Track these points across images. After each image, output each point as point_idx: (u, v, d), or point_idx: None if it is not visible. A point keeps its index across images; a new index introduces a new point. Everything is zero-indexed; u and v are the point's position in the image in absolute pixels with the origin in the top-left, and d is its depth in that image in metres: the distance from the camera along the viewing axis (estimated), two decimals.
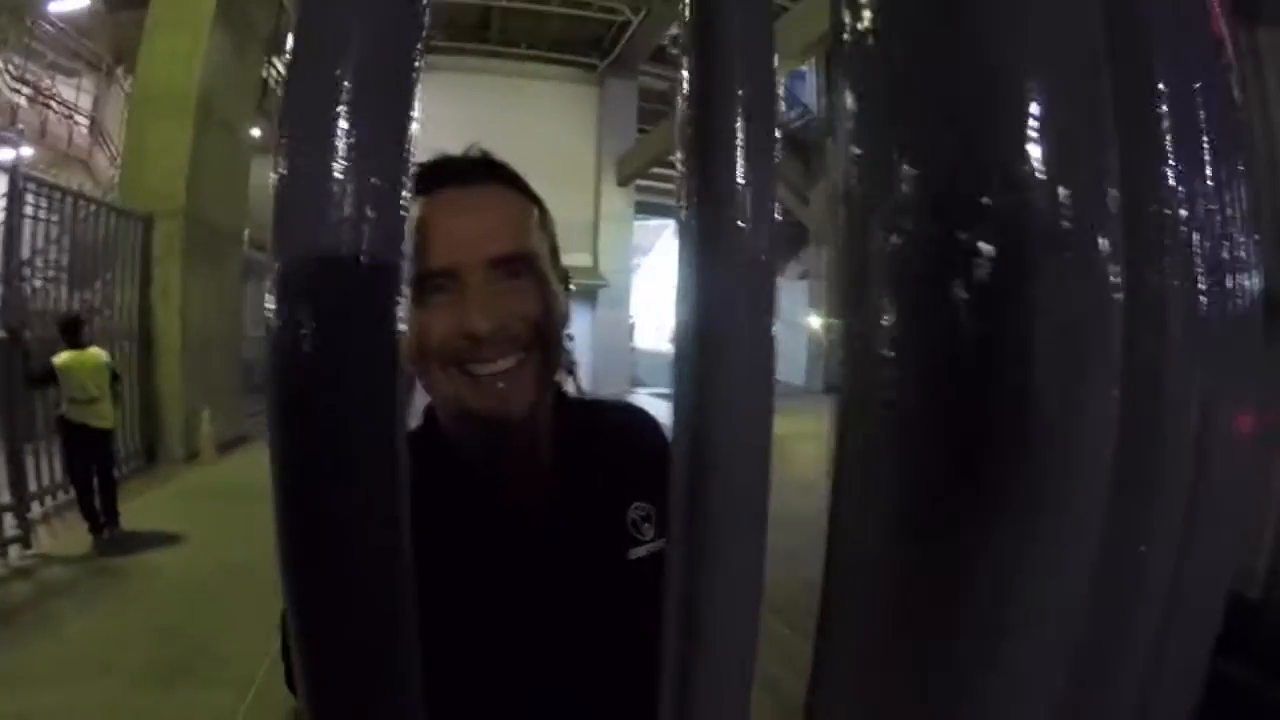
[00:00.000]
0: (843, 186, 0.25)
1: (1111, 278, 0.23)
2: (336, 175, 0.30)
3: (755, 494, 0.40)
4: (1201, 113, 0.35)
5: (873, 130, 0.25)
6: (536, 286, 0.76)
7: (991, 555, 0.23)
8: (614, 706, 0.78)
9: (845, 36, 0.24)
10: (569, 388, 0.89)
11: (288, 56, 0.33)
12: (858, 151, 0.24)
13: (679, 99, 0.42)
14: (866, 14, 0.23)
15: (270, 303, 0.31)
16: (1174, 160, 0.34)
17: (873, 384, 0.24)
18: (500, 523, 0.80)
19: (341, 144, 0.30)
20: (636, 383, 19.53)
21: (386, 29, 0.32)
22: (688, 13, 0.42)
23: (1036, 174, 0.22)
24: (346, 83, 0.31)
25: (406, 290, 0.32)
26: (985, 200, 0.22)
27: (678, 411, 0.40)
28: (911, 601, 0.25)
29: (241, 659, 3.97)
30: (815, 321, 19.07)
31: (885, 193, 0.23)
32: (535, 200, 0.82)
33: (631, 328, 19.89)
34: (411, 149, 0.33)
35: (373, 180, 0.31)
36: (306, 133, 0.31)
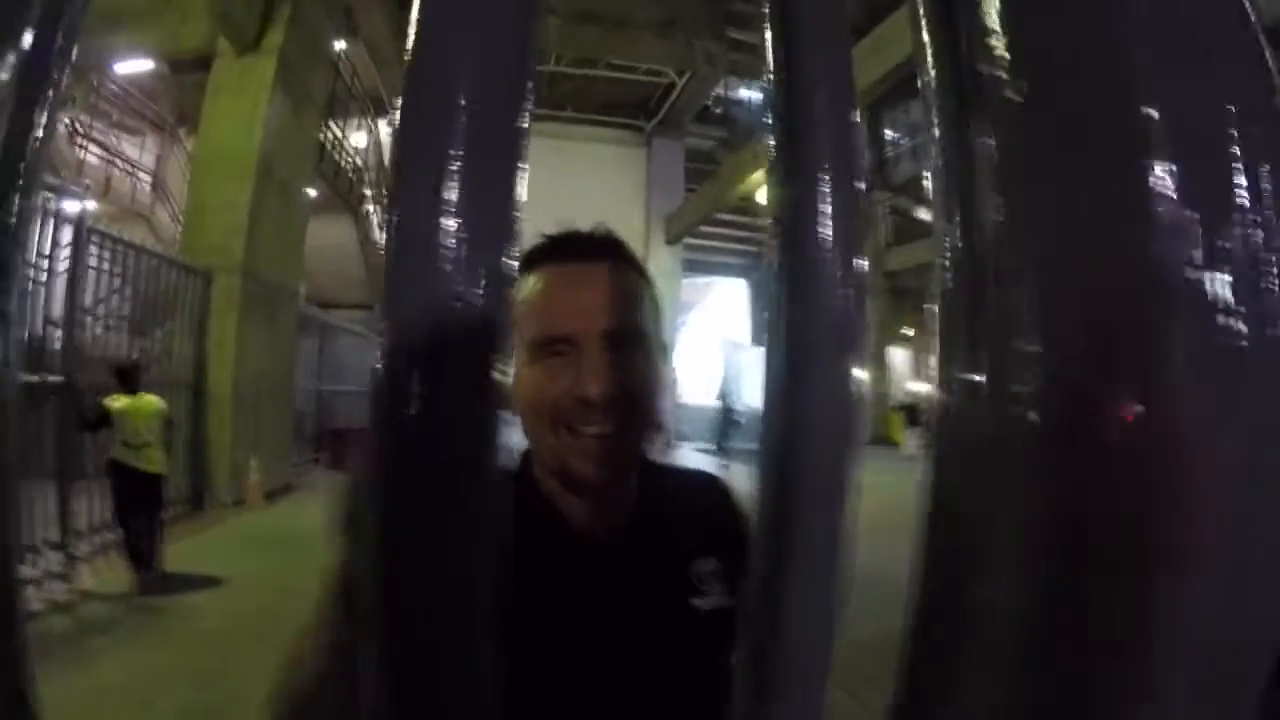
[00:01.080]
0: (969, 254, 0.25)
1: None
2: (446, 237, 0.31)
3: (834, 550, 0.40)
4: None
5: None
6: (644, 360, 0.83)
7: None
8: None
9: (977, 89, 0.25)
10: (657, 443, 0.97)
11: (398, 117, 0.34)
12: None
13: (767, 164, 0.43)
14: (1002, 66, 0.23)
15: (378, 359, 0.32)
16: None
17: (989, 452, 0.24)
18: (576, 555, 0.86)
19: (451, 206, 0.31)
20: (681, 437, 19.42)
21: (496, 91, 0.33)
22: (771, 68, 0.43)
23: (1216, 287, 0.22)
24: (457, 145, 0.32)
25: (512, 350, 0.33)
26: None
27: (763, 464, 0.40)
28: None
29: None
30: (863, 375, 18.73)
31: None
32: (645, 276, 0.90)
33: (676, 383, 19.87)
34: (519, 210, 0.34)
35: (481, 242, 0.32)
36: (417, 193, 0.32)
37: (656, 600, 0.86)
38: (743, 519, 0.98)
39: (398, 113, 0.35)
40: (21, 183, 0.37)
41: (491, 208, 0.33)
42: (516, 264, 0.34)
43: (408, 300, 0.32)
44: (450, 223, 0.32)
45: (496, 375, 0.32)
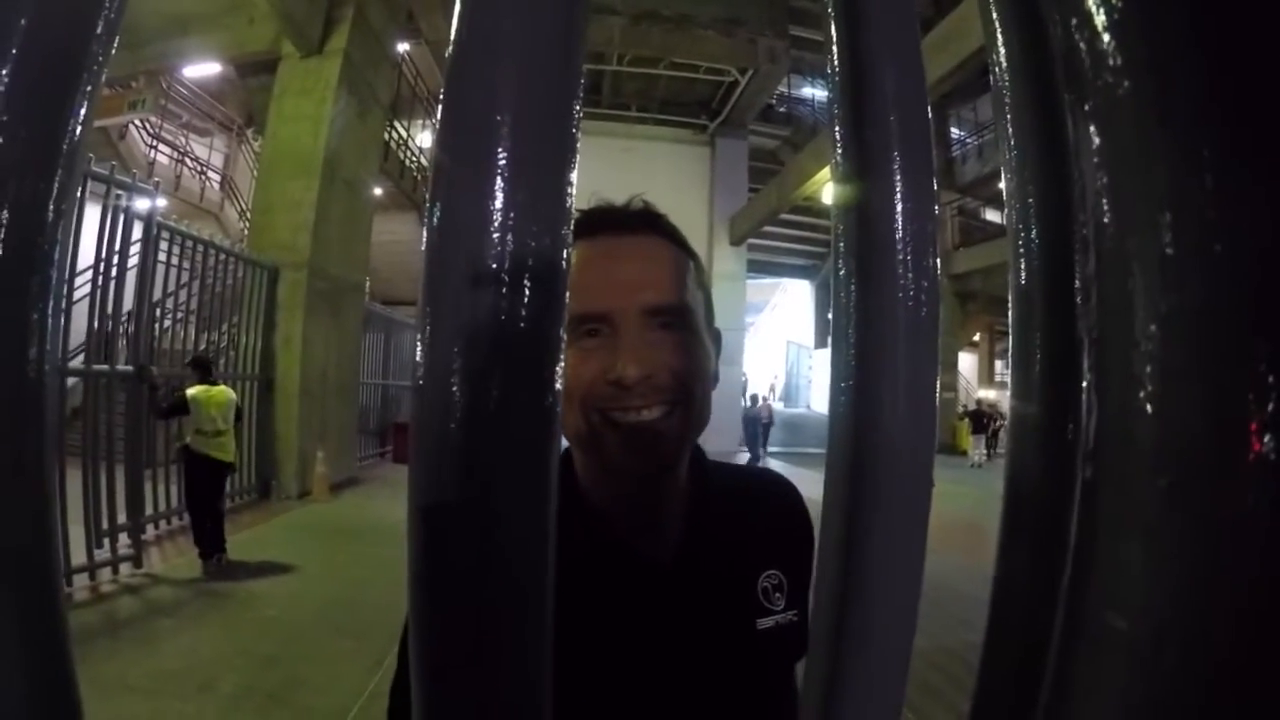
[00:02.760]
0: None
1: None
2: (494, 231, 0.30)
3: (911, 564, 0.37)
4: None
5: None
6: (688, 341, 0.75)
7: None
8: None
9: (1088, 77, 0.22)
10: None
11: (442, 107, 0.33)
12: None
13: (834, 157, 0.41)
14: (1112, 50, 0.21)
15: (420, 358, 0.31)
16: None
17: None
18: (628, 574, 0.79)
19: (501, 198, 0.30)
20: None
21: (545, 82, 0.32)
22: (837, 67, 0.41)
23: None
24: (505, 138, 0.30)
25: (562, 354, 0.31)
26: None
27: (831, 474, 0.38)
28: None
29: (336, 692, 4.05)
30: None
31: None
32: (692, 255, 0.81)
33: (744, 385, 19.82)
34: (572, 204, 0.32)
35: (533, 234, 0.30)
36: (465, 186, 0.31)
37: (714, 620, 0.80)
38: (808, 523, 0.92)
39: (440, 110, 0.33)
40: (60, 173, 0.36)
41: (540, 202, 0.31)
42: (567, 260, 0.31)
43: (449, 300, 0.30)
44: (498, 218, 0.30)
45: (546, 384, 0.30)
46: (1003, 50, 0.51)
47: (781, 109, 22.07)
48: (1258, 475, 0.19)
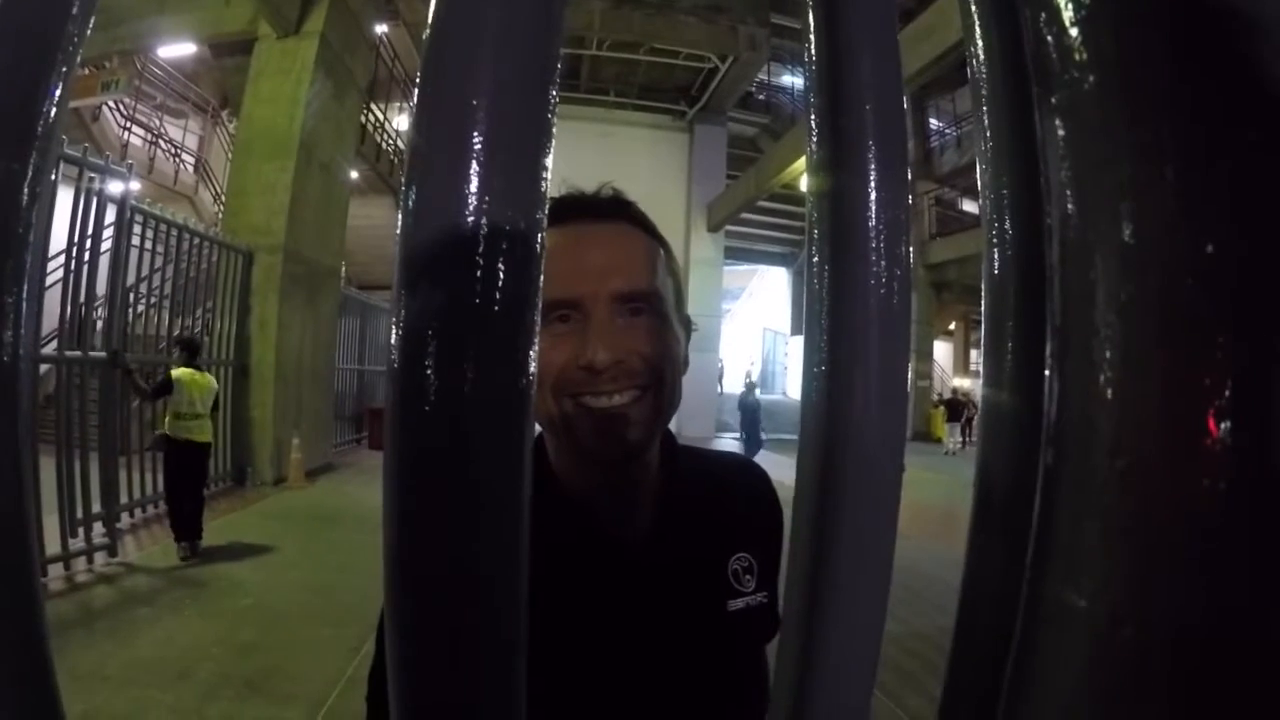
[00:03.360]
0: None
1: None
2: (469, 214, 0.30)
3: (881, 548, 0.38)
4: None
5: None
6: (657, 327, 0.76)
7: None
8: None
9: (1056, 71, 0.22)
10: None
11: (419, 89, 0.33)
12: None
13: (810, 145, 0.41)
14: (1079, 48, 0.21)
15: (394, 340, 0.31)
16: None
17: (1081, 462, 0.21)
18: (600, 556, 0.80)
19: (476, 181, 0.30)
20: (723, 427, 19.46)
21: (522, 65, 0.32)
22: (813, 60, 0.41)
23: None
24: (481, 121, 0.30)
25: (535, 339, 0.31)
26: None
27: (803, 459, 0.38)
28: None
29: (314, 679, 4.04)
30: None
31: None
32: (662, 243, 0.82)
33: (720, 372, 19.82)
34: (547, 188, 0.32)
35: (508, 218, 0.30)
36: (440, 168, 0.31)
37: (685, 601, 0.81)
38: (777, 507, 0.94)
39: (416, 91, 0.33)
40: (35, 155, 0.36)
41: (516, 185, 0.31)
42: (542, 243, 0.32)
43: (423, 283, 0.30)
44: (472, 202, 0.30)
45: (521, 367, 0.30)
46: (980, 43, 0.52)
47: (761, 97, 22.05)
48: (1213, 459, 0.19)
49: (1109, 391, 0.21)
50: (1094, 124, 0.21)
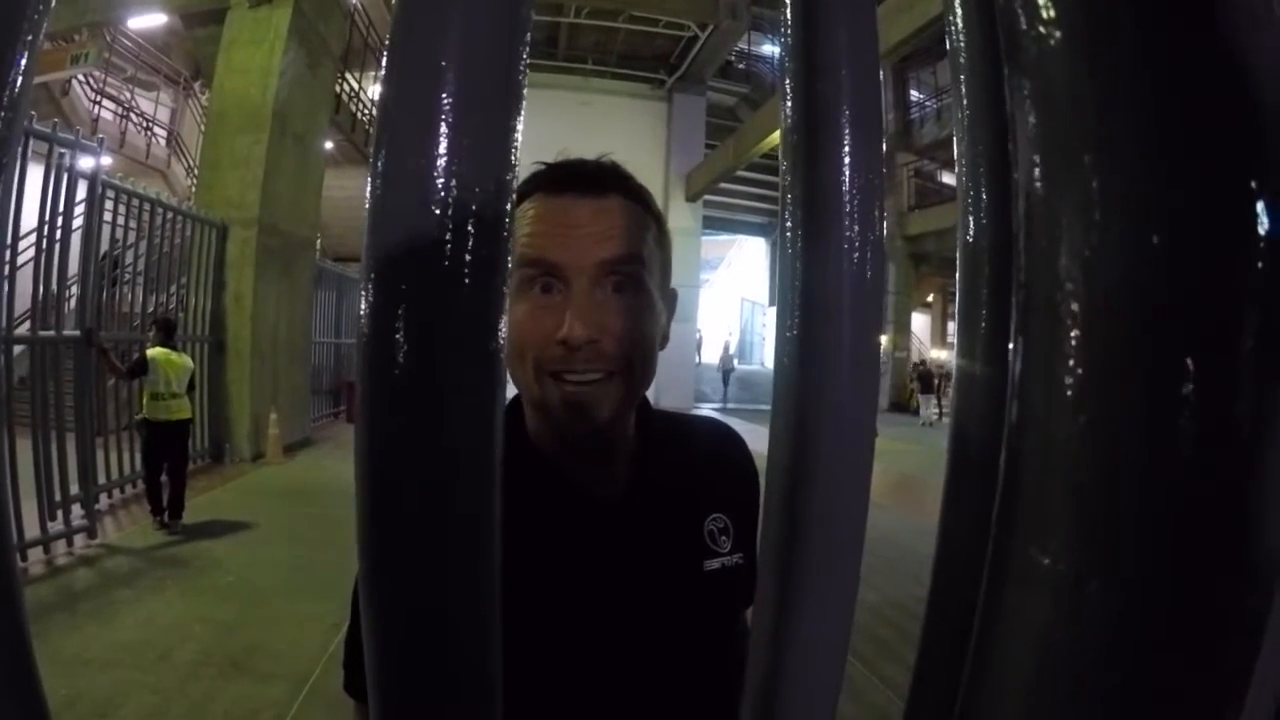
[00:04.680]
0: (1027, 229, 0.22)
1: None
2: (438, 183, 0.29)
3: (853, 513, 0.38)
4: None
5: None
6: (638, 304, 0.75)
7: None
8: (682, 711, 0.80)
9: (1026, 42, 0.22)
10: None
11: (387, 54, 0.32)
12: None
13: (784, 109, 0.41)
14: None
15: (364, 310, 0.30)
16: None
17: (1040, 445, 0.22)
18: (576, 514, 0.81)
19: (445, 145, 0.29)
20: (701, 398, 19.55)
21: (491, 30, 0.31)
22: (789, 23, 0.40)
23: None
24: (450, 85, 0.30)
25: (507, 299, 0.31)
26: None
27: (776, 424, 0.39)
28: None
29: (297, 656, 4.05)
30: (883, 339, 19.07)
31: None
32: (657, 218, 0.81)
33: (699, 343, 19.88)
34: (517, 152, 0.32)
35: (478, 181, 0.30)
36: (408, 134, 0.30)
37: (661, 561, 0.82)
38: (753, 469, 0.94)
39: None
40: (0, 129, 0.35)
41: (485, 150, 0.30)
42: (510, 208, 0.31)
43: (392, 248, 0.30)
44: (441, 166, 0.30)
45: (490, 330, 0.30)
46: (959, 12, 0.52)
47: (741, 66, 21.89)
48: (1177, 413, 0.19)
49: (1072, 346, 0.21)
50: (1060, 79, 0.21)
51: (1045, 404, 0.22)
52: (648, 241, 0.78)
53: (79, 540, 5.91)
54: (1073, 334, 0.21)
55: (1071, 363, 0.21)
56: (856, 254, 0.36)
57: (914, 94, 23.34)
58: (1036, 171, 0.22)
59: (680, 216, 19.24)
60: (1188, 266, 0.19)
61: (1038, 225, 0.22)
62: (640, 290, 0.76)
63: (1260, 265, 0.19)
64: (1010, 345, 0.24)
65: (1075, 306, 0.21)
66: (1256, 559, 0.20)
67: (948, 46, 0.54)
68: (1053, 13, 0.21)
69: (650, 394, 0.85)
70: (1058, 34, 0.21)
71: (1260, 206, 0.19)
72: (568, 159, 0.80)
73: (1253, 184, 0.19)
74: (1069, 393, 0.21)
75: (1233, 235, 0.19)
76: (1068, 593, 0.21)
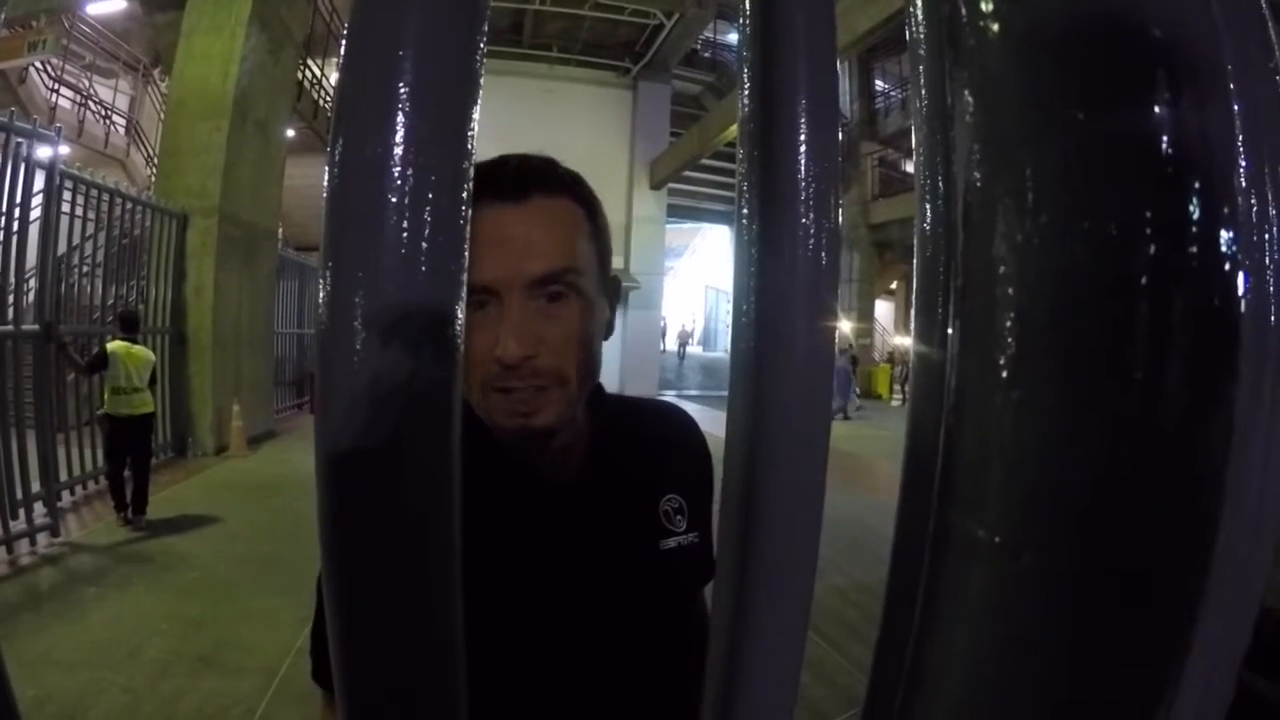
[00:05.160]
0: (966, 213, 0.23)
1: None
2: (395, 172, 0.29)
3: (811, 496, 0.39)
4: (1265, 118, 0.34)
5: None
6: (576, 309, 0.74)
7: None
8: (644, 688, 0.82)
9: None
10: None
11: (345, 46, 0.32)
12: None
13: (741, 97, 0.41)
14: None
15: (323, 299, 0.30)
16: None
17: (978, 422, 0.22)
18: (533, 498, 0.82)
19: (400, 140, 0.30)
20: (665, 385, 19.61)
21: (449, 16, 0.31)
22: (748, 10, 0.41)
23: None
24: (408, 73, 0.30)
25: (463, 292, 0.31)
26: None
27: (732, 410, 0.39)
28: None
29: (266, 650, 4.02)
30: (846, 325, 19.23)
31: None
32: (587, 203, 0.79)
33: (662, 330, 19.93)
34: (474, 145, 0.32)
35: (432, 178, 0.30)
36: (362, 129, 0.30)
37: (618, 541, 0.84)
38: (705, 449, 0.96)
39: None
40: None
41: (442, 137, 0.31)
42: (468, 194, 0.31)
43: (349, 235, 0.30)
44: (396, 160, 0.30)
45: (449, 316, 0.30)
46: (919, 4, 0.52)
47: (706, 54, 21.87)
48: (1103, 388, 0.20)
49: (1005, 327, 0.22)
50: (996, 71, 0.22)
51: (980, 383, 0.23)
52: (578, 243, 0.76)
53: (42, 539, 5.78)
54: (1006, 315, 0.21)
55: (1004, 343, 0.22)
56: (812, 241, 0.37)
57: (879, 84, 23.50)
58: (975, 160, 0.23)
59: (645, 205, 19.22)
60: (1114, 252, 0.20)
61: (975, 212, 0.23)
62: (577, 296, 0.74)
63: (1188, 250, 0.20)
64: (949, 329, 0.25)
65: (1009, 290, 0.21)
66: (1184, 527, 0.21)
67: (908, 38, 0.55)
68: (990, 6, 0.22)
69: (615, 381, 0.86)
70: (995, 28, 0.22)
71: (1186, 194, 0.20)
72: (492, 160, 0.76)
73: (1180, 172, 0.20)
74: (1003, 373, 0.22)
75: (1158, 221, 0.20)
76: (1004, 563, 0.22)
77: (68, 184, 6.84)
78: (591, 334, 0.76)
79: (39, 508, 5.97)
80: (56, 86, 15.16)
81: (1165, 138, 0.20)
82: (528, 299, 0.72)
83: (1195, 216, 0.20)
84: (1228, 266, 0.21)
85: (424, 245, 0.29)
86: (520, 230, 0.73)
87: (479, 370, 0.72)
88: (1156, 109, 0.20)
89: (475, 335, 0.71)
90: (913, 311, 0.53)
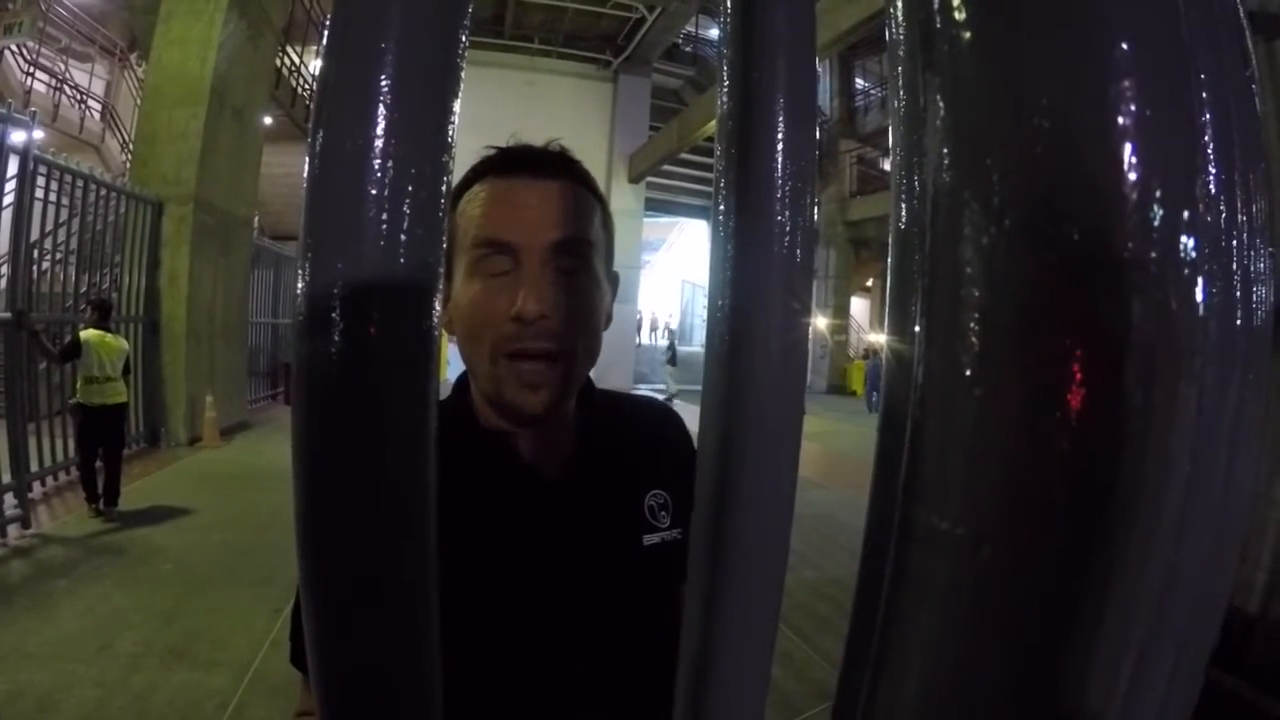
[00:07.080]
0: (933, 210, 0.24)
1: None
2: (375, 163, 0.30)
3: (782, 490, 0.39)
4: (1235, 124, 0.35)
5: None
6: (587, 283, 0.79)
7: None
8: (622, 681, 0.83)
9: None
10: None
11: (327, 37, 0.32)
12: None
13: (720, 95, 0.42)
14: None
15: (300, 290, 0.31)
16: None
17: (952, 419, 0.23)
18: (519, 489, 0.84)
19: (381, 133, 0.30)
20: (640, 379, 19.62)
21: (430, 11, 0.31)
22: (729, 7, 0.41)
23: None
24: (389, 66, 0.30)
25: (440, 285, 0.31)
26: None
27: (706, 404, 0.40)
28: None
29: (239, 642, 4.00)
30: (822, 322, 19.30)
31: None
32: (601, 202, 0.86)
33: (639, 324, 19.92)
34: (453, 138, 0.32)
35: (412, 170, 0.30)
36: (344, 119, 0.30)
37: (602, 535, 0.85)
38: (691, 447, 0.97)
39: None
40: None
41: (423, 130, 0.31)
42: (447, 185, 0.32)
43: (328, 228, 0.30)
44: (377, 151, 0.30)
45: (425, 309, 0.30)
46: (898, 4, 0.53)
47: (688, 49, 21.87)
48: (1065, 386, 0.21)
49: (969, 326, 0.22)
50: (966, 76, 0.23)
51: (944, 380, 0.23)
52: (594, 225, 0.82)
53: (13, 530, 5.72)
54: (970, 315, 0.22)
55: (968, 341, 0.22)
56: (787, 238, 0.38)
57: (860, 82, 23.60)
58: (944, 162, 0.23)
59: (623, 198, 19.20)
60: (1076, 255, 0.21)
61: (943, 213, 0.23)
62: (587, 271, 0.80)
63: (1149, 255, 0.21)
64: (915, 326, 0.25)
65: (974, 291, 0.22)
66: (1141, 524, 0.22)
67: (887, 37, 0.56)
68: (963, 13, 0.22)
69: (593, 374, 0.87)
70: (967, 34, 0.22)
71: (1149, 202, 0.21)
72: (518, 144, 0.83)
73: (1142, 178, 0.21)
74: (965, 370, 0.22)
75: (1119, 227, 0.21)
76: (966, 556, 0.23)
77: (41, 169, 6.74)
78: (598, 313, 0.82)
79: (9, 499, 5.89)
80: (32, 70, 14.93)
81: (1128, 145, 0.21)
82: (545, 265, 0.76)
83: (1156, 223, 0.21)
84: (1187, 271, 0.22)
85: (403, 238, 0.29)
86: (544, 201, 0.78)
87: (492, 333, 0.76)
88: (1120, 119, 0.21)
89: (493, 299, 0.76)
90: (886, 309, 0.54)
